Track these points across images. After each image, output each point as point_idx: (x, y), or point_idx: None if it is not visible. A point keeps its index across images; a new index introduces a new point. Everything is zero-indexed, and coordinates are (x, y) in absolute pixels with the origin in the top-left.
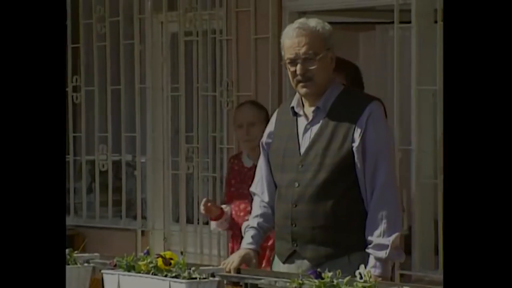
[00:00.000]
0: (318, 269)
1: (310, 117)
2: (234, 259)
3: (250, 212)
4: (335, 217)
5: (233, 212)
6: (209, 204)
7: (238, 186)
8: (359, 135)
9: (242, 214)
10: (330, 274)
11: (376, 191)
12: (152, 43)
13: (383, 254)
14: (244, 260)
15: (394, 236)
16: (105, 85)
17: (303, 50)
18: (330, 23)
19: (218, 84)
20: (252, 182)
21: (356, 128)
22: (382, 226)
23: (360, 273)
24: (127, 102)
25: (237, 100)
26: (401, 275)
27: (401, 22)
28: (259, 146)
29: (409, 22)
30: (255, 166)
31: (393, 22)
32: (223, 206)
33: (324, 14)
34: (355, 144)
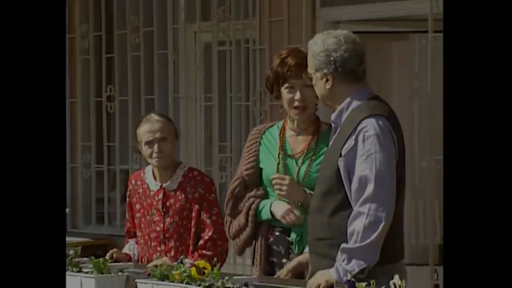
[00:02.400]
0: (352, 279)
1: (333, 129)
2: (292, 263)
3: (164, 242)
4: (330, 230)
5: (142, 242)
6: (114, 255)
7: (144, 212)
8: (346, 149)
9: (154, 244)
10: (364, 284)
11: (357, 205)
12: (186, 53)
13: (350, 244)
14: (302, 265)
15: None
16: (138, 95)
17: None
18: (363, 32)
19: (251, 93)
20: (161, 208)
21: (345, 143)
22: (355, 235)
23: (394, 283)
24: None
25: (270, 110)
26: (435, 286)
27: (435, 32)
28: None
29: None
30: (163, 190)
31: (426, 32)
32: (127, 247)
33: (357, 24)
34: (340, 158)
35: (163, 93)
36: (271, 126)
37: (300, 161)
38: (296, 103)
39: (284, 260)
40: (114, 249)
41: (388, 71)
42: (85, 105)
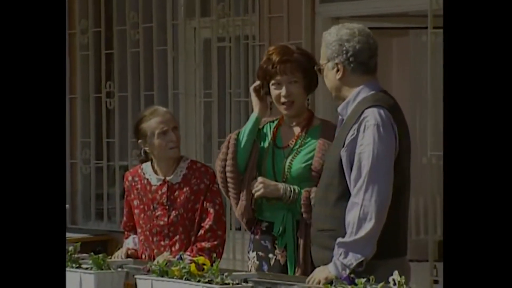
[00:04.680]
0: (352, 275)
1: (339, 122)
2: (320, 277)
3: (168, 236)
4: (332, 222)
5: (142, 238)
6: (129, 252)
7: (145, 207)
8: (349, 140)
9: (156, 239)
10: (363, 280)
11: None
12: (185, 49)
13: (346, 238)
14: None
15: (363, 231)
16: (138, 91)
17: None
18: None
19: None
20: (165, 201)
21: (349, 132)
22: (351, 227)
23: (393, 279)
24: None
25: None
26: (435, 281)
27: (434, 28)
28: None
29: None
30: (166, 183)
31: (426, 27)
32: (131, 241)
33: (357, 20)
34: (343, 149)
35: (163, 89)
36: (272, 120)
37: (287, 153)
38: (282, 99)
39: (270, 255)
40: (128, 246)
41: (388, 67)
42: (85, 101)
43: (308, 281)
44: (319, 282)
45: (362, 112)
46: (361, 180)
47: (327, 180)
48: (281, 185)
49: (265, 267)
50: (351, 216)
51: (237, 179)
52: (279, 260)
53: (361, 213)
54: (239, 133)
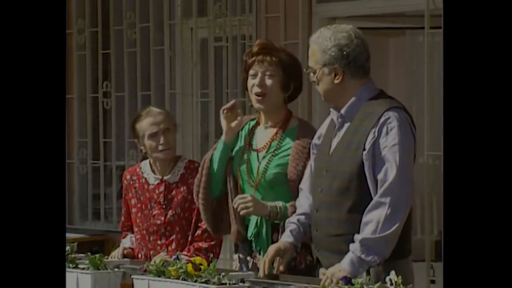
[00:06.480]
0: (349, 275)
1: (337, 123)
2: (269, 252)
3: (165, 235)
4: (348, 226)
5: (138, 237)
6: (125, 252)
7: (142, 206)
8: (370, 143)
9: (153, 238)
10: (360, 280)
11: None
12: (182, 49)
13: (368, 234)
14: (279, 252)
15: (385, 233)
16: (135, 91)
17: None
18: (360, 28)
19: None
20: (162, 200)
21: (369, 135)
22: (374, 225)
23: (390, 279)
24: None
25: None
26: (431, 281)
27: (431, 28)
28: (175, 156)
29: (440, 27)
30: (163, 183)
31: (423, 28)
32: (128, 241)
33: (353, 20)
34: (365, 152)
35: (160, 89)
36: (253, 118)
37: (261, 156)
38: (255, 89)
39: (248, 258)
40: (124, 246)
41: (385, 67)
42: (82, 101)
43: (323, 282)
44: (337, 283)
45: (382, 115)
46: (387, 182)
47: (342, 184)
48: (267, 204)
49: (245, 270)
50: (375, 214)
51: (209, 206)
52: (255, 264)
53: (388, 212)
54: (212, 156)
